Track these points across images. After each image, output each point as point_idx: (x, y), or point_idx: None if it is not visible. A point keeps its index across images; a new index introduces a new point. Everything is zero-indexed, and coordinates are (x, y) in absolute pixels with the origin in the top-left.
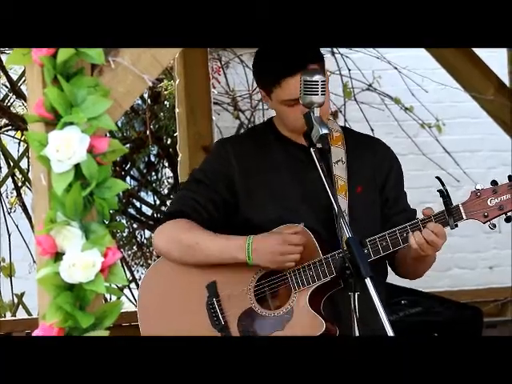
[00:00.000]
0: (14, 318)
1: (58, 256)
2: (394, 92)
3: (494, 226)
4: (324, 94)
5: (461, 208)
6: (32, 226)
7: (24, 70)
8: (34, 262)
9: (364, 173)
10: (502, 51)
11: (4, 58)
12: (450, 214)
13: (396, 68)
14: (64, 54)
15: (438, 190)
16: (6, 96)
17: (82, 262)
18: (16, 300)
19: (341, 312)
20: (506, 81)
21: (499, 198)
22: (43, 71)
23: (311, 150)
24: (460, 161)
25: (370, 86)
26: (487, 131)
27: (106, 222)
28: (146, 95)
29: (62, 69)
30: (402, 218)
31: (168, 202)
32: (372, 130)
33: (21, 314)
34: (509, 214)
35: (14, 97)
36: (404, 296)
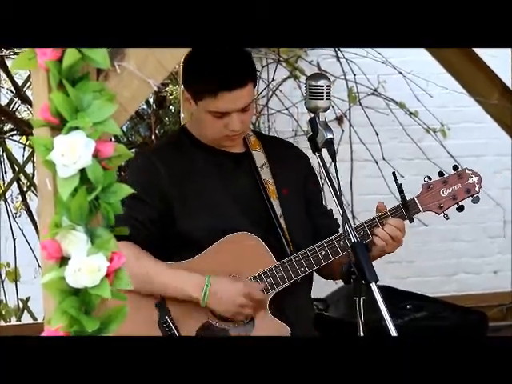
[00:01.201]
0: (19, 322)
1: (63, 261)
2: (399, 97)
3: (448, 216)
4: (329, 99)
5: (416, 201)
6: (37, 231)
7: (29, 75)
8: (40, 266)
9: (286, 175)
10: (506, 55)
11: (9, 62)
12: (407, 208)
13: (401, 73)
14: (69, 58)
15: (397, 186)
16: (12, 101)
17: (88, 266)
18: (21, 305)
19: (288, 316)
20: (510, 85)
21: (451, 188)
22: (49, 76)
23: (316, 155)
24: (465, 165)
25: (374, 90)
26: (492, 136)
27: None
28: (151, 100)
29: (68, 73)
30: (326, 217)
31: None
32: (377, 134)
33: (26, 319)
34: (460, 203)
35: (20, 102)
36: (409, 301)
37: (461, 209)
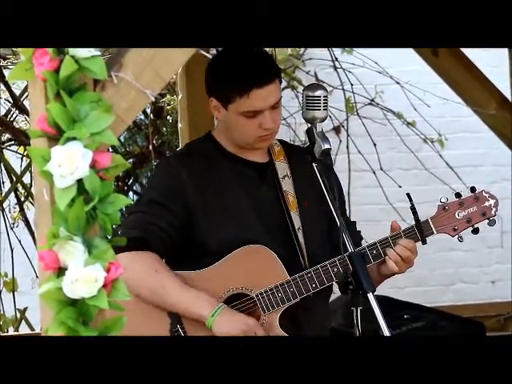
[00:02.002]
0: (16, 333)
1: (60, 271)
2: (397, 107)
3: (462, 238)
4: (326, 109)
5: (430, 223)
6: (35, 241)
7: (27, 85)
8: (37, 277)
9: (308, 186)
10: (504, 65)
11: (7, 72)
12: (421, 230)
13: (398, 83)
14: (67, 69)
15: (410, 207)
16: (9, 111)
17: (85, 277)
18: (19, 315)
19: (302, 327)
20: (508, 95)
21: (466, 211)
22: (46, 86)
23: (313, 164)
24: (462, 175)
25: (372, 100)
26: (489, 146)
27: (108, 237)
28: (148, 110)
29: (65, 84)
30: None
31: None
32: (375, 144)
33: (24, 330)
34: (476, 225)
35: (17, 112)
36: (406, 311)
37: (476, 231)
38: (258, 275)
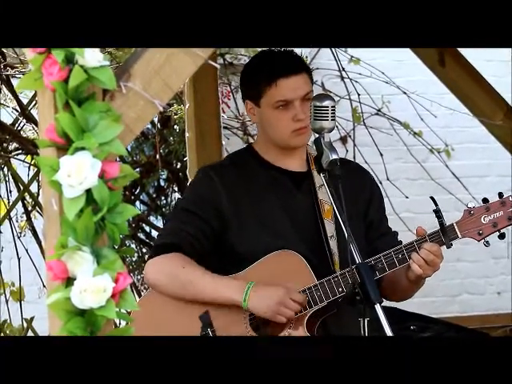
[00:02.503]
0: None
1: (69, 281)
2: (403, 117)
3: (488, 243)
4: (334, 119)
5: (455, 227)
6: (42, 251)
7: (34, 94)
8: (44, 286)
9: (346, 196)
10: (510, 75)
11: (15, 82)
12: (445, 233)
13: (405, 93)
14: (76, 79)
15: (433, 210)
16: (17, 120)
17: (93, 287)
18: (25, 324)
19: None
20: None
21: (492, 215)
22: (55, 96)
23: (321, 175)
24: (468, 186)
25: (379, 110)
26: (495, 156)
27: (116, 247)
28: (155, 119)
29: (74, 94)
30: (385, 241)
31: None
32: (381, 154)
33: None
34: (502, 230)
35: (24, 121)
36: (413, 321)
37: (502, 236)
38: (287, 280)
